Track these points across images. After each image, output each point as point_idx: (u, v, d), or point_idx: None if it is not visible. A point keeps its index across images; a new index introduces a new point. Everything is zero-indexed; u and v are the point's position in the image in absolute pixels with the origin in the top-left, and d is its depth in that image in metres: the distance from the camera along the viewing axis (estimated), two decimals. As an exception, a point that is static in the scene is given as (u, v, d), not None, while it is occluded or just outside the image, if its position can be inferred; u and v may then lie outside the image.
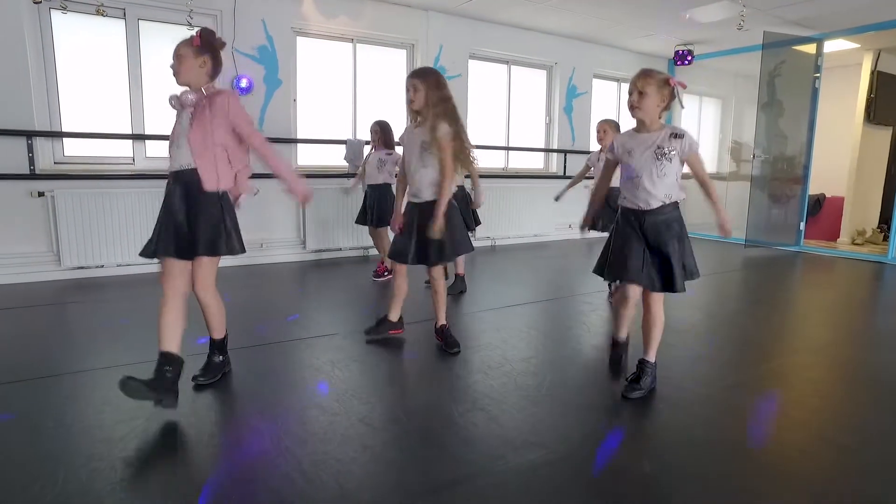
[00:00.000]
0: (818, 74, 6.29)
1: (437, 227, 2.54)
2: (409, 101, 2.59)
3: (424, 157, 2.60)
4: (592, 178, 4.26)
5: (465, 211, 3.85)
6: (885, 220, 6.92)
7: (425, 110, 2.56)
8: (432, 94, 2.54)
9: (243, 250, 2.30)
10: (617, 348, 2.61)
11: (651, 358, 2.33)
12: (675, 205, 2.25)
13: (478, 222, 4.22)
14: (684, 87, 2.22)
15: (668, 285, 2.21)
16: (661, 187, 2.17)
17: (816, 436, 2.01)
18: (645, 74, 2.17)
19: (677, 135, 2.15)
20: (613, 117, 7.25)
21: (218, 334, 2.35)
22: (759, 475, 1.71)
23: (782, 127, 6.46)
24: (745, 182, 6.65)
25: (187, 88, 2.15)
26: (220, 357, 2.37)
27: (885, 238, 6.55)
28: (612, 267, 2.31)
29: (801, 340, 3.32)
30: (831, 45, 6.30)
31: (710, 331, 3.33)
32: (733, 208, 7.19)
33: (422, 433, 1.95)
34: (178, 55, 2.13)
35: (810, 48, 6.22)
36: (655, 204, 2.18)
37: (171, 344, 2.10)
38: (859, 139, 6.79)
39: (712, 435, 1.99)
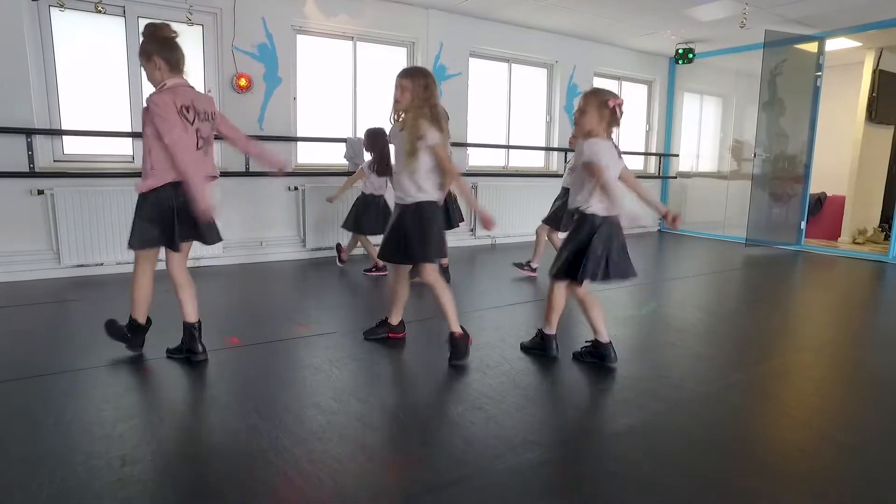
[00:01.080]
0: (820, 73, 6.27)
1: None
2: (395, 101, 2.53)
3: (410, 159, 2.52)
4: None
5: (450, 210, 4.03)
6: (886, 220, 6.91)
7: (410, 111, 2.50)
8: (418, 95, 2.47)
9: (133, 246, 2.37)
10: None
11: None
12: (592, 216, 2.44)
13: (459, 221, 4.29)
14: (620, 104, 2.42)
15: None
16: (574, 194, 2.51)
17: (817, 435, 2.01)
18: (586, 94, 2.46)
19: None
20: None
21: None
22: (759, 475, 1.71)
23: (783, 126, 6.44)
24: (746, 181, 6.64)
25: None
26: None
27: (887, 237, 6.54)
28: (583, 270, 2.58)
29: (801, 339, 3.31)
30: (833, 44, 6.28)
31: (709, 330, 3.32)
32: (734, 207, 7.21)
33: (420, 432, 1.94)
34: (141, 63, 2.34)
35: (812, 47, 6.20)
36: (581, 207, 2.46)
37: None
38: (861, 138, 6.77)
39: (712, 434, 1.98)
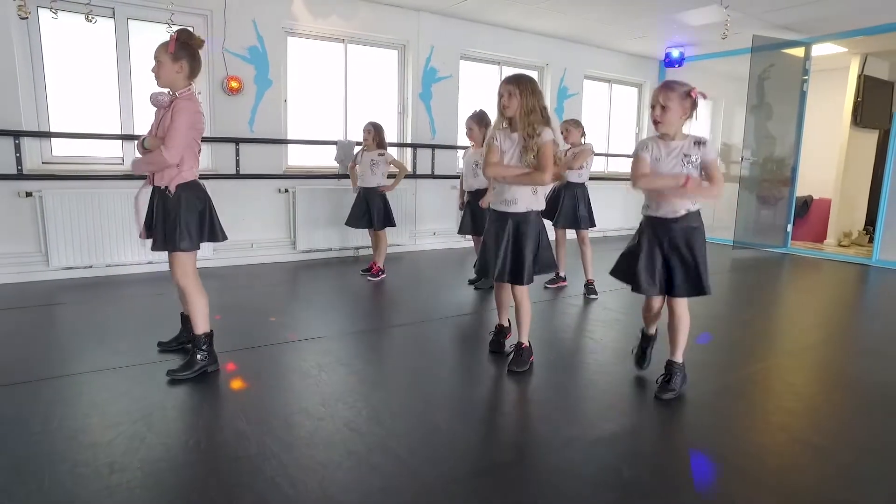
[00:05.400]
0: (806, 78, 6.35)
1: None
2: (503, 108, 2.51)
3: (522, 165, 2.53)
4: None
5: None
6: (870, 222, 7.00)
7: (519, 118, 2.49)
8: (526, 101, 2.46)
9: (196, 244, 2.36)
10: (645, 341, 2.61)
11: (678, 359, 2.37)
12: (698, 213, 2.29)
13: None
14: (705, 97, 2.24)
15: (695, 290, 2.26)
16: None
17: (793, 438, 2.06)
18: (667, 88, 2.20)
19: (699, 142, 2.21)
20: (603, 118, 7.37)
21: (196, 329, 2.42)
22: (735, 478, 1.75)
23: (771, 129, 6.53)
24: (734, 184, 6.71)
25: (166, 90, 2.33)
26: (199, 355, 2.41)
27: (871, 240, 6.63)
28: (633, 277, 2.32)
29: (784, 343, 3.37)
30: (819, 49, 6.36)
31: (692, 334, 3.36)
32: (722, 210, 7.27)
33: (406, 438, 1.97)
34: (157, 60, 2.32)
35: (799, 52, 6.28)
36: (682, 211, 2.23)
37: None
38: (846, 142, 6.87)
39: (692, 439, 2.02)
